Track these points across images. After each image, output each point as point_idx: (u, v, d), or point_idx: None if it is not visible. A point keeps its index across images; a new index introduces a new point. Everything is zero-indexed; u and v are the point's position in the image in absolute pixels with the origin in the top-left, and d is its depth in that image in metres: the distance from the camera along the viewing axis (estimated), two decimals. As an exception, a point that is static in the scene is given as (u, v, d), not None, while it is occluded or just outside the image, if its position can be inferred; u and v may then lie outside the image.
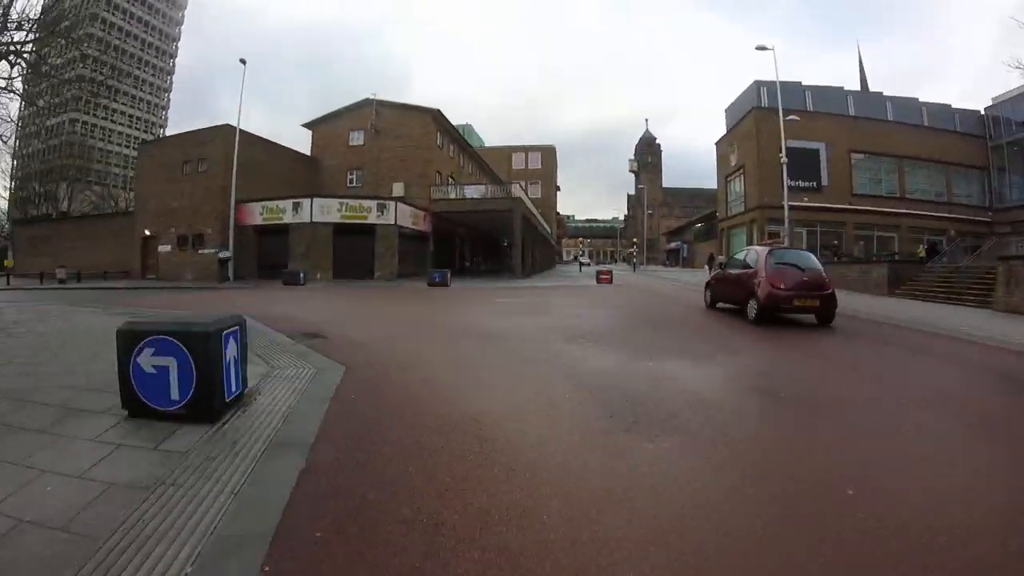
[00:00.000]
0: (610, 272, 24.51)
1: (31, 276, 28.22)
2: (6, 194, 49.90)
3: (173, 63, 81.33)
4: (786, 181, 23.00)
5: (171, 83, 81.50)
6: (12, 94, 14.62)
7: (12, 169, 51.48)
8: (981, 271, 14.93)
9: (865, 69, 54.52)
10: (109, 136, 68.33)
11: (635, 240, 61.35)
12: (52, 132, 62.44)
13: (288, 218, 25.63)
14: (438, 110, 31.44)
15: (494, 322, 9.54)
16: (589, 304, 13.51)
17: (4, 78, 13.78)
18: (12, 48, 13.23)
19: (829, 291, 9.08)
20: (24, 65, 13.85)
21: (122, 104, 72.99)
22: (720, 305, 11.58)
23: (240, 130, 25.88)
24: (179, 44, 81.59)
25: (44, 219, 42.11)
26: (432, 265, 27.27)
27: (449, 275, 21.31)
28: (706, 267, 33.51)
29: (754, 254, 10.28)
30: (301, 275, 21.96)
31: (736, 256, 12.33)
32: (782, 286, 8.93)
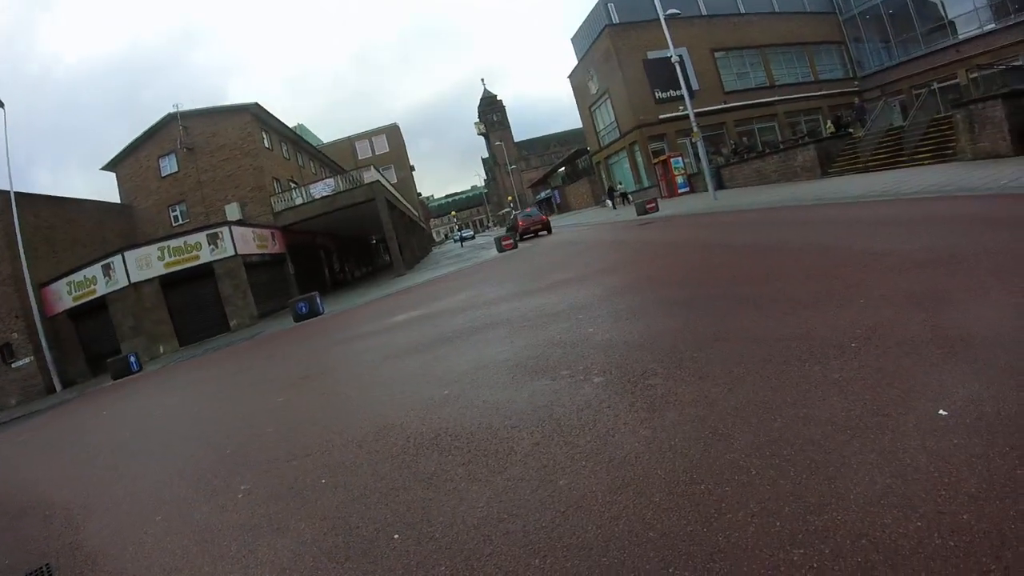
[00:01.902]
0: (511, 238, 21.01)
1: None
2: None
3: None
4: (684, 89, 19.41)
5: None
6: None
7: None
8: (921, 127, 12.77)
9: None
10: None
11: (510, 198, 58.58)
12: None
13: (101, 288, 19.65)
14: (255, 103, 25.48)
15: (430, 406, 4.13)
16: (529, 285, 8.84)
17: None
18: None
19: (546, 220, 24.25)
20: None
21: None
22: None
23: (15, 193, 19.21)
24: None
25: None
26: (298, 290, 22.46)
27: (319, 298, 16.79)
28: (608, 201, 31.32)
29: (515, 215, 31.15)
30: (131, 359, 16.72)
31: (511, 217, 36.25)
32: (525, 224, 24.07)
